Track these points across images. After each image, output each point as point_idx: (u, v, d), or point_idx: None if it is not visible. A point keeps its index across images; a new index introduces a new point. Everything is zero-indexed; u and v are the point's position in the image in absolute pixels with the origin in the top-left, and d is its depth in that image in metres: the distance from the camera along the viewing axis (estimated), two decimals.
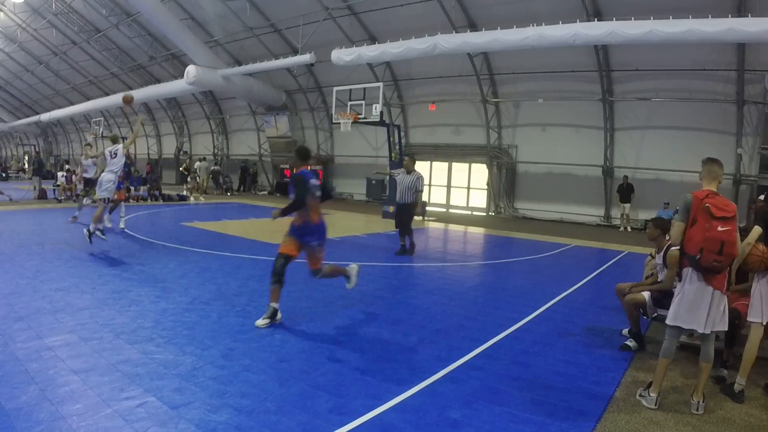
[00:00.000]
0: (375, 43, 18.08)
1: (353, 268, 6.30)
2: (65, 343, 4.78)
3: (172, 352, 4.69)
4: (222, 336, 5.17)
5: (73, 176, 19.45)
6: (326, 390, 4.06)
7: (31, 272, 7.55)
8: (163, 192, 21.56)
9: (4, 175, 34.30)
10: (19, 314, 5.56)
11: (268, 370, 4.39)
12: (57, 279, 7.25)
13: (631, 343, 5.34)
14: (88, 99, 31.78)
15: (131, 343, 4.86)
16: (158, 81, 25.96)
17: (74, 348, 4.68)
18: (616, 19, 13.80)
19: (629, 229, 16.58)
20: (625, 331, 5.59)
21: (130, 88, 27.76)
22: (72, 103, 33.59)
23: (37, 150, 40.87)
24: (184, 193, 22.12)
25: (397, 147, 17.51)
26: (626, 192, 16.83)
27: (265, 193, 25.75)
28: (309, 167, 5.96)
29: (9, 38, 30.35)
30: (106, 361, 4.37)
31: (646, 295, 5.27)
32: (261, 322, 5.53)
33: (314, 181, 5.77)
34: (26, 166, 42.22)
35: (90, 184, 13.25)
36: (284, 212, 5.60)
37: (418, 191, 10.48)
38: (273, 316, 5.61)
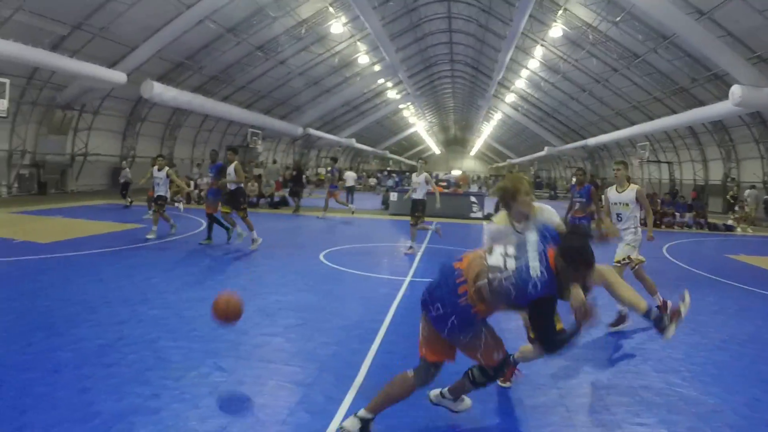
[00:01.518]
0: None
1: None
2: (583, 359, 5.23)
3: (696, 388, 4.67)
4: (751, 383, 4.84)
5: None
6: None
7: None
8: (709, 220, 20.70)
9: (553, 193, 42.54)
10: None
11: None
12: None
13: None
14: (632, 124, 32.50)
15: (657, 372, 5.06)
16: (702, 103, 24.92)
17: (597, 365, 5.14)
18: None
19: None
20: None
21: (674, 112, 27.55)
22: (617, 128, 34.90)
23: (591, 173, 44.82)
24: (731, 222, 20.62)
25: None
26: None
27: None
28: None
29: (552, 69, 33.88)
30: (629, 384, 4.66)
31: None
32: None
33: None
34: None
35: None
36: None
37: None
38: None
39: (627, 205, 6.71)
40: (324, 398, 4.08)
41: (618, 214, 6.76)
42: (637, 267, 6.64)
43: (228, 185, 11.02)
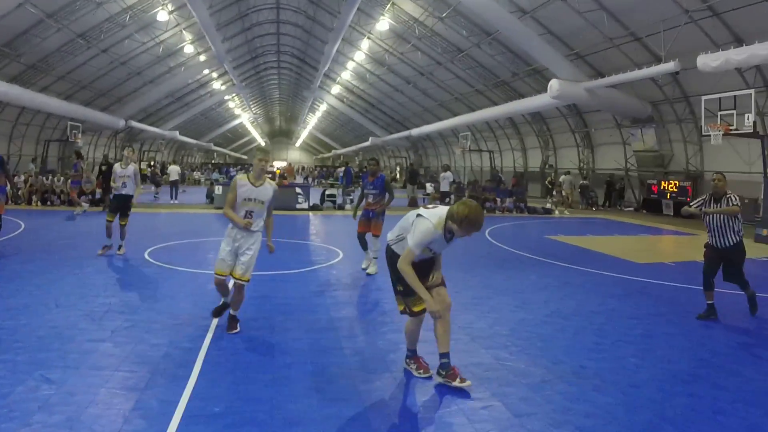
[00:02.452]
0: (742, 46, 15.26)
1: None
2: (421, 340, 4.82)
3: (524, 361, 4.80)
4: (576, 352, 5.08)
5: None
6: (674, 424, 3.66)
7: None
8: (529, 204, 22.29)
9: None
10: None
11: (616, 394, 4.14)
12: None
13: None
14: (455, 115, 34.36)
15: (485, 348, 5.15)
16: (522, 96, 26.93)
17: (429, 345, 4.80)
18: None
19: None
20: None
21: (495, 104, 29.47)
22: (440, 119, 36.72)
23: (410, 162, 46.54)
24: (549, 206, 22.44)
25: None
26: None
27: (632, 209, 24.22)
28: None
29: (378, 62, 34.90)
30: (459, 362, 4.54)
31: None
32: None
33: None
34: (398, 176, 50.39)
35: None
36: None
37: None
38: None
39: (262, 203, 5.49)
40: (158, 402, 3.84)
41: (249, 212, 5.47)
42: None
43: None
